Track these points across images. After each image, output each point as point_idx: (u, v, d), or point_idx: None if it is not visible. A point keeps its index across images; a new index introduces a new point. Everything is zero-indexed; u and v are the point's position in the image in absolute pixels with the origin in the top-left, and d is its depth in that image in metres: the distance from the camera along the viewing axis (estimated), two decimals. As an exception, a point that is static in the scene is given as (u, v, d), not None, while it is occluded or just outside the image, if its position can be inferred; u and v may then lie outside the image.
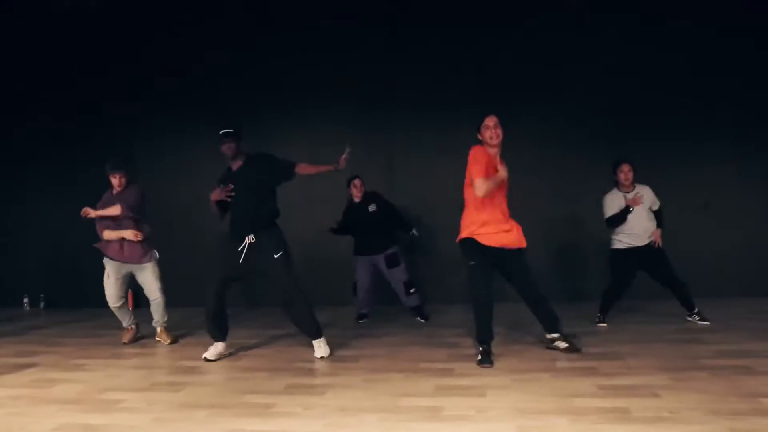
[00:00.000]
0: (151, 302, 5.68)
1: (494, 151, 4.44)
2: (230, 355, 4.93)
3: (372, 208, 6.23)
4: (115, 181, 5.54)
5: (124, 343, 5.64)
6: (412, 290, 6.25)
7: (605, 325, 5.61)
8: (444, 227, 7.30)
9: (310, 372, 4.30)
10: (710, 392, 3.38)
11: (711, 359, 4.13)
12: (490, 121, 4.42)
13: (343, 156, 4.77)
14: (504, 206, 4.54)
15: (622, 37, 7.17)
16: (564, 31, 7.27)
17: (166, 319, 5.71)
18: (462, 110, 7.22)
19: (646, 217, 5.57)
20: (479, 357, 4.31)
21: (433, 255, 7.50)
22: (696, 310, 5.58)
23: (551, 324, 4.59)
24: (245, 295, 7.68)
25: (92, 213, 5.42)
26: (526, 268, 4.54)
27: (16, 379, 4.37)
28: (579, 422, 2.98)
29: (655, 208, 5.67)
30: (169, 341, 5.60)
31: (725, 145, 7.07)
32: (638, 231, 5.55)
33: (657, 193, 5.70)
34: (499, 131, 4.40)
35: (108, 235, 5.49)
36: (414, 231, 6.39)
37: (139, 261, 5.56)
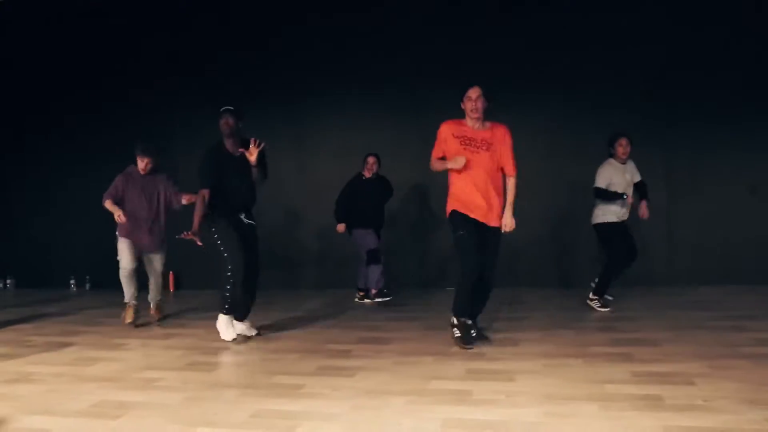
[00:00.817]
0: (154, 281, 5.91)
1: (475, 125, 4.32)
2: (262, 336, 5.00)
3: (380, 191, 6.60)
4: (142, 164, 5.68)
5: (129, 324, 5.59)
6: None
7: (609, 309, 5.54)
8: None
9: (342, 354, 4.32)
10: (748, 381, 3.27)
11: (751, 347, 4.01)
12: (473, 92, 4.25)
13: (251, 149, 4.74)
14: (484, 174, 4.27)
15: (662, 17, 6.93)
16: (603, 13, 7.05)
17: (161, 297, 6.00)
18: (495, 92, 7.12)
19: (631, 191, 5.57)
20: (458, 335, 4.28)
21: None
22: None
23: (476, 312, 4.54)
24: (281, 277, 7.77)
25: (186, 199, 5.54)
26: (494, 248, 4.38)
27: (58, 357, 4.52)
28: (609, 409, 2.92)
29: (637, 179, 5.62)
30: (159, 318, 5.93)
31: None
32: (625, 208, 5.53)
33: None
34: (480, 104, 4.23)
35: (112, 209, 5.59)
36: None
37: (159, 248, 5.80)
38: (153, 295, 5.97)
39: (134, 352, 4.65)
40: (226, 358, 4.32)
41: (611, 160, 5.58)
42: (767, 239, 6.76)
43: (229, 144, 4.84)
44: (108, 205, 5.60)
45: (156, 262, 5.88)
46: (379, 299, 6.44)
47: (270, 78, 8.02)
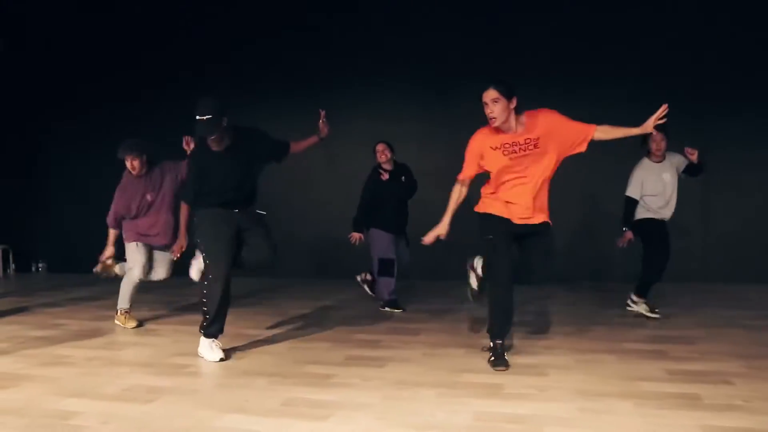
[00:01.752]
0: (158, 280, 5.36)
1: (508, 128, 3.65)
2: (291, 325, 5.02)
3: (403, 180, 5.79)
4: (130, 166, 5.16)
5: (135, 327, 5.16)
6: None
7: (658, 315, 5.06)
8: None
9: (371, 344, 4.31)
10: (789, 382, 3.20)
11: (791, 347, 3.92)
12: (486, 96, 3.59)
13: (321, 121, 4.45)
14: (532, 181, 3.69)
15: (700, 12, 6.77)
16: (634, 4, 6.90)
17: None
18: (525, 83, 7.02)
19: (671, 190, 5.12)
20: (492, 358, 3.69)
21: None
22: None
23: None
24: (311, 267, 7.79)
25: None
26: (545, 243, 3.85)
27: (91, 342, 4.58)
28: (644, 407, 2.87)
29: (682, 168, 5.16)
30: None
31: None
32: (669, 203, 5.13)
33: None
34: (495, 108, 3.56)
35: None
36: None
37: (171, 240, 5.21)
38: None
39: (165, 338, 4.70)
40: (255, 347, 4.33)
41: (644, 161, 5.18)
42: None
43: (213, 143, 4.08)
44: (111, 235, 5.39)
45: (168, 258, 5.31)
46: (389, 308, 5.62)
47: (296, 67, 8.01)
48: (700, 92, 6.78)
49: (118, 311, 5.18)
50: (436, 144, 7.31)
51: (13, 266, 9.35)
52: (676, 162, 5.15)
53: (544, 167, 3.69)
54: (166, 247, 5.21)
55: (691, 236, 6.60)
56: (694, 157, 5.00)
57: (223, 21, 8.31)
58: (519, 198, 3.72)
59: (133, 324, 5.16)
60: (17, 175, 9.24)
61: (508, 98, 3.60)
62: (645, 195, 5.11)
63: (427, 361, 3.81)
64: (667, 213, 5.14)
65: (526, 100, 6.80)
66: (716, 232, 6.29)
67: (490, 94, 3.57)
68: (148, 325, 5.18)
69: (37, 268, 9.32)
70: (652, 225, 5.14)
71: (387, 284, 5.62)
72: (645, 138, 5.02)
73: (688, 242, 6.16)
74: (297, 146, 4.56)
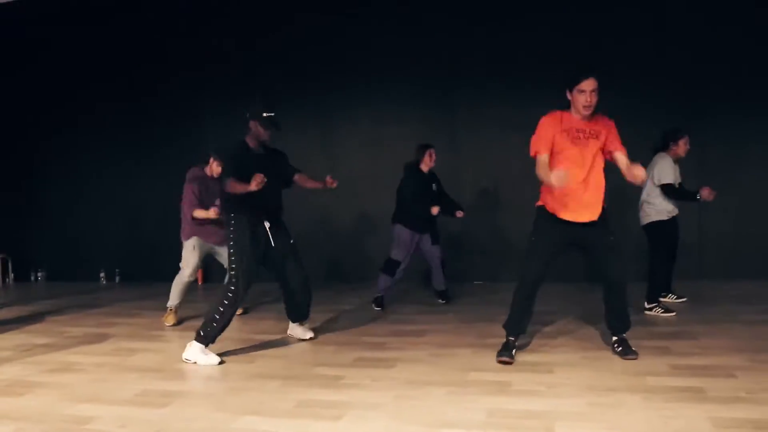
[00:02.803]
0: None
1: (581, 123, 3.71)
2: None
3: (434, 187, 5.99)
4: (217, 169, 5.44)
5: (171, 326, 5.47)
6: (444, 268, 6.05)
7: (674, 313, 5.10)
8: (508, 203, 7.27)
9: (378, 346, 4.36)
10: (791, 374, 3.27)
11: (791, 341, 4.00)
12: (588, 84, 3.57)
13: (328, 178, 4.48)
14: (587, 167, 3.72)
15: (704, 9, 6.86)
16: (639, 4, 6.99)
17: None
18: (527, 83, 7.12)
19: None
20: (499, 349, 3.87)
21: (498, 231, 7.44)
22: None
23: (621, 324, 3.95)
24: (313, 272, 7.81)
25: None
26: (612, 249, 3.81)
27: (98, 348, 4.60)
28: (652, 400, 2.93)
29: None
30: None
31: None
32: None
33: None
34: (594, 99, 3.60)
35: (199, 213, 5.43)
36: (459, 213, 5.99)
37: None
38: None
39: (172, 343, 4.73)
40: (264, 350, 4.37)
41: (668, 157, 5.23)
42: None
43: (254, 143, 4.36)
44: (198, 213, 5.44)
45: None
46: (374, 304, 5.91)
47: (297, 70, 8.05)
48: (693, 92, 6.87)
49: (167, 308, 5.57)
50: (437, 145, 7.37)
51: (12, 275, 9.33)
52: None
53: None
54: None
55: (688, 234, 6.66)
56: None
57: (222, 23, 8.34)
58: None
59: (173, 322, 5.48)
60: (15, 184, 9.23)
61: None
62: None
63: (435, 361, 3.86)
64: (675, 208, 5.26)
65: (525, 100, 6.95)
66: (714, 230, 6.37)
67: (592, 83, 3.59)
68: (154, 331, 5.20)
69: (36, 277, 9.30)
70: (670, 228, 5.25)
71: (385, 281, 5.86)
72: (675, 138, 5.22)
73: (687, 240, 6.21)
74: (302, 180, 4.60)
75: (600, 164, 3.77)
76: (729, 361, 3.57)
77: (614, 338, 3.91)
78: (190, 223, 5.50)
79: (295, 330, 4.71)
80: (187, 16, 8.49)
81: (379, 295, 5.90)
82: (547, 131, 3.71)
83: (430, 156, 5.91)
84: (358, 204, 7.76)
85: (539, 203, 3.93)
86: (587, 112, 3.65)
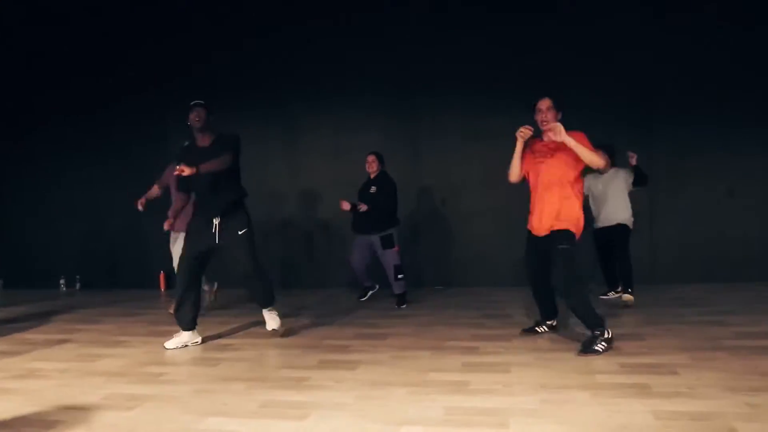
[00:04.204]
0: None
1: (542, 144, 4.33)
2: (260, 333, 5.13)
3: (372, 190, 6.26)
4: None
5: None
6: (399, 276, 6.27)
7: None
8: (470, 211, 7.45)
9: (341, 349, 4.47)
10: (728, 371, 3.49)
11: (731, 340, 4.24)
12: (543, 103, 4.26)
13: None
14: (551, 182, 4.22)
15: (648, 21, 7.17)
16: (594, 16, 7.27)
17: None
18: (486, 95, 7.33)
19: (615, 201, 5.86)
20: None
21: (459, 238, 7.62)
22: (629, 289, 5.84)
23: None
24: (274, 277, 7.87)
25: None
26: (557, 254, 4.21)
27: (60, 354, 4.60)
28: (600, 396, 3.11)
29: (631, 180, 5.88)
30: None
31: (751, 132, 7.06)
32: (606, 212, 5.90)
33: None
34: (551, 116, 4.20)
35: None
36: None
37: None
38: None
39: (136, 348, 4.75)
40: (228, 354, 4.44)
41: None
42: (744, 239, 7.03)
43: (200, 138, 4.67)
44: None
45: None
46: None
47: (261, 79, 8.13)
48: (641, 104, 7.19)
49: None
50: (397, 155, 7.53)
51: (-33, 284, 9.15)
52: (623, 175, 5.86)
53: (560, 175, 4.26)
54: None
55: (638, 241, 6.94)
56: (633, 160, 5.73)
57: (184, 33, 8.36)
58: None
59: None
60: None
61: (558, 110, 4.28)
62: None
63: (396, 363, 3.99)
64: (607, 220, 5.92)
65: (484, 110, 7.15)
66: (661, 237, 6.66)
67: (546, 102, 4.25)
68: (117, 337, 5.22)
69: (-8, 285, 9.15)
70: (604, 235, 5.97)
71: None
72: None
73: (636, 246, 6.49)
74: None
75: (563, 182, 4.23)
76: (673, 360, 3.78)
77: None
78: None
79: (265, 316, 4.94)
80: (148, 24, 8.48)
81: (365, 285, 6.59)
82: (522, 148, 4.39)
83: (366, 162, 6.35)
84: (319, 211, 7.86)
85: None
86: (545, 127, 4.23)
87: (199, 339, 4.85)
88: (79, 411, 3.21)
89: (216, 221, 4.61)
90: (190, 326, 4.78)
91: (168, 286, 8.27)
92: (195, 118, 4.61)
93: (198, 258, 4.66)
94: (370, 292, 6.61)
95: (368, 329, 5.17)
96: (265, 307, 4.90)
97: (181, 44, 8.38)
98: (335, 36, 7.92)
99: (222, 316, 6.11)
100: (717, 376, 3.40)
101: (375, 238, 6.26)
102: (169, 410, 3.18)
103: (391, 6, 7.75)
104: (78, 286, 8.77)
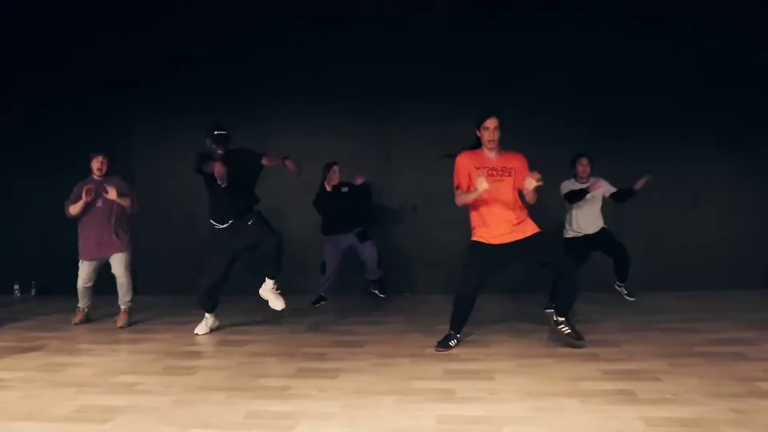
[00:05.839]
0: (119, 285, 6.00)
1: (492, 154, 4.42)
2: (234, 341, 5.01)
3: (345, 189, 6.48)
4: (96, 164, 5.93)
5: (76, 324, 5.98)
6: (380, 264, 6.60)
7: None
8: (441, 219, 7.43)
9: (319, 357, 4.38)
10: (708, 377, 3.54)
11: (705, 346, 4.30)
12: (491, 123, 4.34)
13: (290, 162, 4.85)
14: (508, 200, 4.39)
15: (613, 35, 7.30)
16: (560, 28, 7.37)
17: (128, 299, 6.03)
18: (459, 101, 7.34)
19: (593, 213, 6.03)
20: (441, 339, 4.55)
21: (430, 246, 7.60)
22: (626, 283, 6.18)
23: (566, 310, 4.53)
24: (244, 283, 7.73)
25: (110, 195, 5.79)
26: (547, 247, 4.46)
27: (24, 363, 4.39)
28: (589, 403, 3.12)
29: (613, 190, 6.07)
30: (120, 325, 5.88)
31: (714, 142, 7.23)
32: (585, 224, 6.01)
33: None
34: (497, 135, 4.34)
35: (74, 209, 5.86)
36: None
37: (118, 250, 5.94)
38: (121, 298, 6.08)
39: (104, 357, 4.57)
40: (202, 362, 4.31)
41: (571, 180, 6.00)
42: (708, 247, 7.19)
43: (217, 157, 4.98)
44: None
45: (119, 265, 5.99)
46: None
47: (230, 82, 7.98)
48: (608, 114, 7.31)
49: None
50: (368, 161, 7.48)
51: None
52: (602, 183, 5.99)
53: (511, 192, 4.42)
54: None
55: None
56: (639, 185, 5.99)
57: (154, 32, 8.15)
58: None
59: (77, 320, 6.02)
60: None
61: (501, 130, 4.37)
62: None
63: (378, 371, 3.93)
64: (589, 230, 6.05)
65: (455, 115, 7.16)
66: (628, 245, 6.71)
67: (494, 122, 4.34)
68: (82, 345, 5.02)
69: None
70: (572, 245, 6.03)
71: (320, 281, 6.60)
72: (573, 162, 5.98)
73: (604, 255, 6.57)
74: (270, 161, 5.02)
75: (514, 196, 4.44)
76: (652, 366, 3.82)
77: (560, 319, 4.49)
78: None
79: (269, 296, 5.26)
80: (112, 23, 8.24)
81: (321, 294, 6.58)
82: (461, 169, 4.41)
83: (333, 172, 6.48)
84: (289, 216, 7.74)
85: (473, 238, 4.53)
86: (492, 146, 4.37)
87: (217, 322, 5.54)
88: (48, 424, 3.07)
89: (230, 222, 5.03)
90: (214, 310, 5.43)
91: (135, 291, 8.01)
92: (220, 150, 5.01)
93: (230, 259, 5.14)
94: (323, 302, 6.54)
95: (344, 336, 5.09)
96: (273, 277, 5.23)
97: (149, 44, 8.16)
98: (307, 38, 7.82)
99: (189, 324, 5.94)
100: (698, 382, 3.44)
101: (350, 236, 6.45)
102: (148, 422, 3.06)
103: (364, 11, 7.70)
104: (33, 291, 8.43)
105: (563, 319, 4.48)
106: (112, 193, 5.78)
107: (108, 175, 6.00)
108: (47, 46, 8.41)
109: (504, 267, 4.65)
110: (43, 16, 8.36)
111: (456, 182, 4.44)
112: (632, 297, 6.23)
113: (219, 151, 4.96)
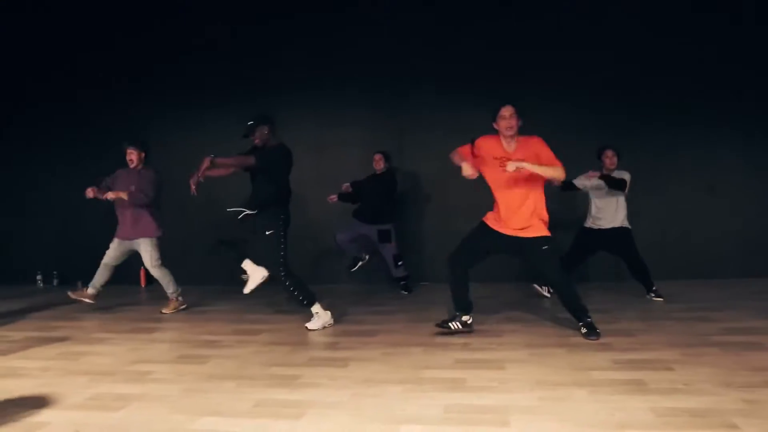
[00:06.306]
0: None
1: (508, 144, 4.40)
2: (246, 330, 5.06)
3: (372, 179, 6.71)
4: (133, 156, 6.00)
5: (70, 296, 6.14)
6: (399, 263, 6.74)
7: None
8: (454, 207, 7.41)
9: (330, 346, 4.42)
10: (721, 366, 3.50)
11: (719, 336, 4.26)
12: (506, 111, 4.33)
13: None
14: (522, 192, 4.37)
15: (632, 25, 7.19)
16: (577, 17, 7.27)
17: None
18: (472, 90, 7.30)
19: (611, 206, 5.91)
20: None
21: (443, 235, 7.57)
22: (655, 288, 5.90)
23: (573, 313, 4.53)
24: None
25: (91, 194, 5.89)
26: (543, 259, 4.45)
27: (42, 353, 4.47)
28: (598, 393, 3.10)
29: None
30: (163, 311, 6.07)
31: (731, 131, 7.15)
32: (603, 215, 5.93)
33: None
34: (514, 122, 4.32)
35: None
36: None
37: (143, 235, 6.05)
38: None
39: (120, 346, 4.64)
40: (216, 351, 4.36)
41: (596, 172, 5.92)
42: (724, 235, 7.10)
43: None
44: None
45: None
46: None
47: (241, 74, 8.00)
48: (626, 103, 7.21)
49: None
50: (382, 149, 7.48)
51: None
52: (626, 177, 5.85)
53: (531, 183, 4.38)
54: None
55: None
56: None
57: (166, 23, 8.20)
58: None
59: (75, 296, 6.13)
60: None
61: (519, 117, 4.35)
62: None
63: (389, 360, 3.94)
64: (607, 223, 5.97)
65: (468, 105, 7.12)
66: (643, 234, 6.64)
67: (510, 110, 4.32)
68: (100, 334, 5.09)
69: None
70: (586, 234, 6.13)
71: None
72: (599, 154, 5.91)
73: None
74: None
75: (533, 188, 4.40)
76: (665, 356, 3.79)
77: (579, 323, 4.47)
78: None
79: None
80: (129, 15, 8.30)
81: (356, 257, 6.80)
82: (480, 149, 4.46)
83: (374, 160, 6.69)
84: (302, 206, 7.76)
85: (483, 218, 4.62)
86: (509, 134, 4.35)
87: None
88: (63, 412, 3.12)
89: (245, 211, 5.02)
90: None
91: (149, 281, 8.12)
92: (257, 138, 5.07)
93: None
94: (360, 263, 6.74)
95: (356, 326, 5.11)
96: (302, 307, 5.07)
97: (160, 38, 8.21)
98: (317, 29, 7.81)
99: (204, 313, 6.01)
100: (711, 371, 3.40)
101: (373, 230, 6.61)
102: (160, 410, 3.10)
103: (375, 1, 7.67)
104: (56, 282, 8.57)
105: (577, 320, 4.49)
106: (109, 195, 5.93)
107: (143, 165, 6.08)
108: (72, 39, 8.50)
109: (496, 254, 4.71)
110: (79, 6, 8.45)
111: (462, 147, 4.51)
112: (660, 297, 5.84)
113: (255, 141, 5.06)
